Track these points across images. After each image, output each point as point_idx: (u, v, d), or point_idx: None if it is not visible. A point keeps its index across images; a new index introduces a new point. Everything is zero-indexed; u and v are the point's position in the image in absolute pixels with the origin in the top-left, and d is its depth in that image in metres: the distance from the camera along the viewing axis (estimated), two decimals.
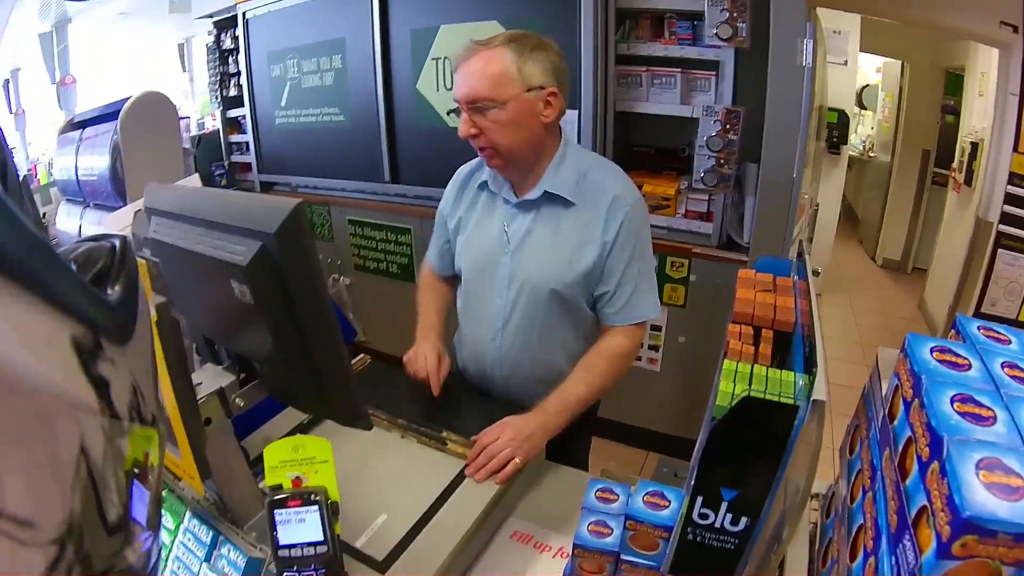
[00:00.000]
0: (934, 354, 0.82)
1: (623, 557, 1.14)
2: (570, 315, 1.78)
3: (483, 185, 1.83)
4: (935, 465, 0.66)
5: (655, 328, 3.27)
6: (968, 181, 4.92)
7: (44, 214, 3.26)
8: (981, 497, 0.59)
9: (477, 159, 1.85)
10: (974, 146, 4.84)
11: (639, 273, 1.71)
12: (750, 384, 0.90)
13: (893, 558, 0.71)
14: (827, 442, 1.01)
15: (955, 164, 5.43)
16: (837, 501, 1.12)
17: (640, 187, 2.96)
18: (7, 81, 8.27)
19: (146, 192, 1.47)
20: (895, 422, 0.84)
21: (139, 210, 1.51)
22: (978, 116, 4.96)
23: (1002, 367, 0.79)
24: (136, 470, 0.58)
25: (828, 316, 5.61)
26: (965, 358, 0.81)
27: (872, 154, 8.14)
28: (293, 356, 1.10)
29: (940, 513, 0.62)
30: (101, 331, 0.53)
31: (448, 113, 1.96)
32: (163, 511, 1.31)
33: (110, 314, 0.55)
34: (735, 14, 2.71)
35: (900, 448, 0.78)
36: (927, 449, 0.70)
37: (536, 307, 1.75)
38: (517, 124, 1.59)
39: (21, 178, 3.27)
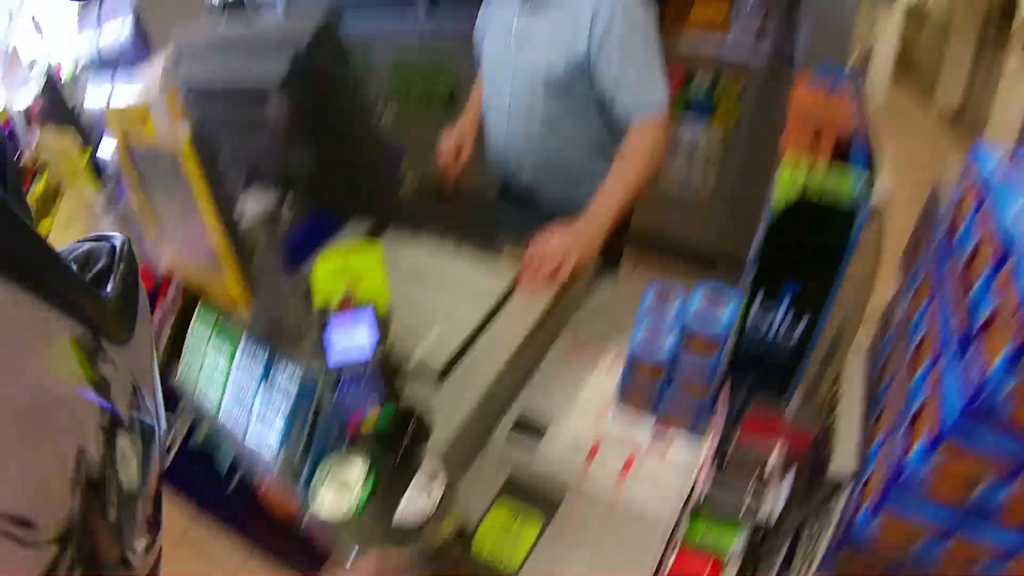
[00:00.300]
0: (1002, 167, 0.78)
1: (678, 364, 1.14)
2: (570, 108, 1.89)
3: None
4: (1006, 270, 0.64)
5: (708, 149, 3.21)
6: None
7: (74, 106, 3.26)
8: None
9: None
10: None
11: (639, 59, 1.76)
12: (808, 183, 0.87)
13: (960, 367, 0.69)
14: (885, 262, 0.98)
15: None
16: (895, 318, 1.10)
17: (688, 8, 2.91)
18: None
19: (174, 37, 1.44)
20: (959, 231, 0.81)
21: (166, 56, 1.49)
22: None
23: None
24: (136, 469, 0.58)
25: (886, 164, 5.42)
26: None
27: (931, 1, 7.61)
28: (335, 162, 1.09)
29: (1012, 319, 0.60)
30: (101, 331, 0.53)
31: None
32: (219, 340, 1.35)
33: (110, 314, 0.56)
34: None
35: (965, 257, 0.75)
36: (995, 256, 0.67)
37: (534, 97, 1.90)
38: None
39: (45, 76, 3.25)
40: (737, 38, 2.97)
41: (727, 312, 1.08)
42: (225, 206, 1.09)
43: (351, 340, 1.13)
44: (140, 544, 0.58)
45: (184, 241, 1.30)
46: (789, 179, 0.87)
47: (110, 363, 0.54)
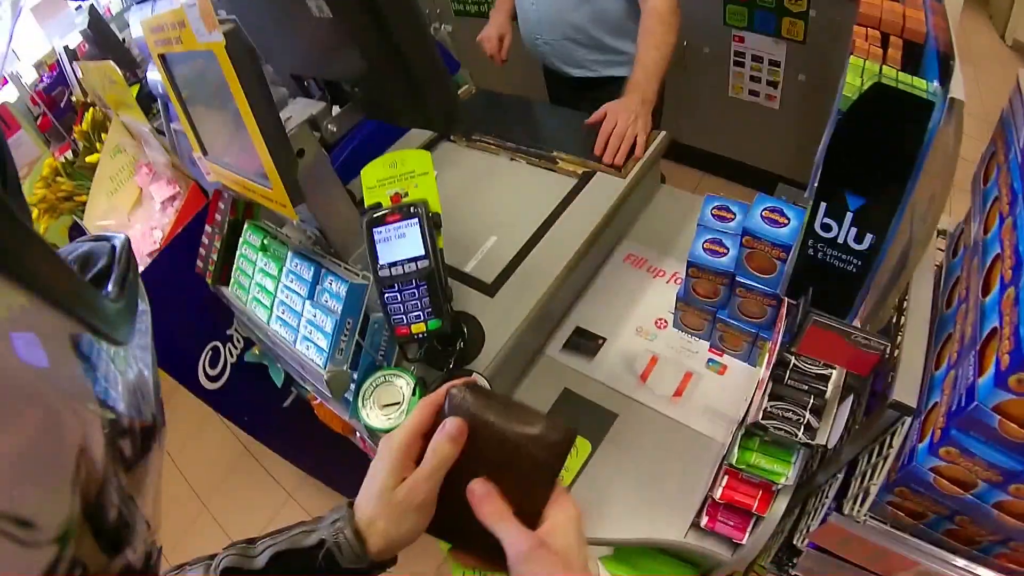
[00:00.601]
0: None
1: (738, 279, 1.08)
2: None
3: None
4: None
5: (773, 64, 3.05)
6: None
7: (124, 39, 3.29)
8: None
9: None
10: None
11: None
12: (879, 77, 0.79)
13: None
14: (956, 183, 0.91)
15: None
16: (967, 239, 1.03)
17: None
18: None
19: None
20: None
21: None
22: None
23: None
24: (138, 470, 0.58)
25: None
26: None
27: None
28: (384, 67, 1.05)
29: None
30: (101, 331, 0.53)
31: None
32: (267, 256, 1.34)
33: (110, 314, 0.55)
34: None
35: None
36: None
37: None
38: None
39: (89, 8, 3.26)
40: None
41: (791, 224, 1.02)
42: (266, 107, 1.05)
43: (401, 243, 1.09)
44: (140, 544, 0.57)
45: (230, 152, 1.28)
46: (858, 75, 0.81)
47: (110, 363, 0.54)
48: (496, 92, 2.03)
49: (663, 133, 1.66)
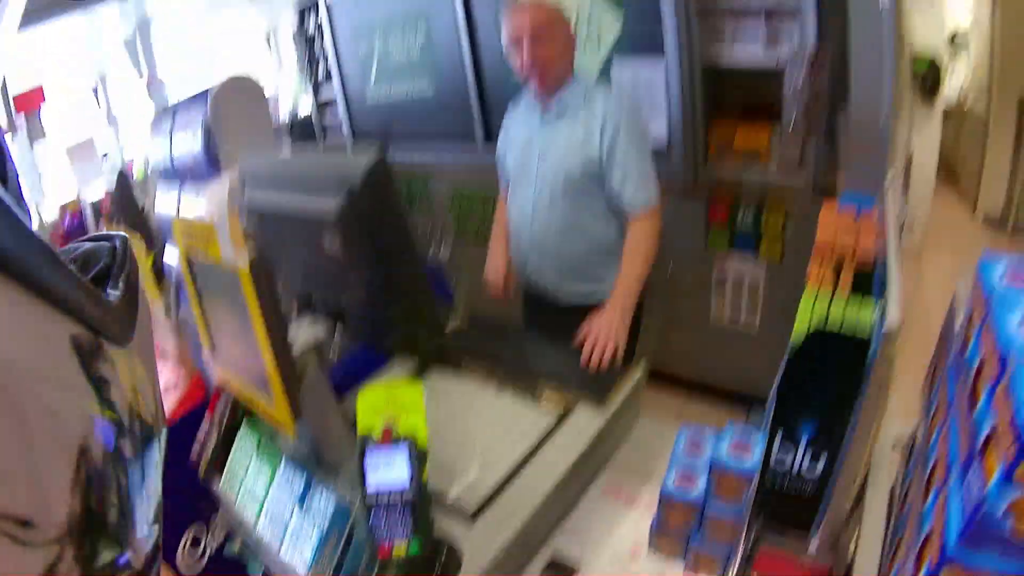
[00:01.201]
0: (1006, 276, 0.75)
1: (708, 505, 1.13)
2: (584, 203, 2.16)
3: (520, 112, 2.36)
4: (1004, 381, 0.62)
5: (752, 287, 3.17)
6: None
7: (143, 207, 3.44)
8: None
9: (513, 101, 2.42)
10: None
11: (639, 160, 2.09)
12: (828, 314, 0.89)
13: (963, 488, 0.66)
14: (914, 385, 0.97)
15: None
16: (916, 447, 1.09)
17: (730, 138, 2.97)
18: (95, 89, 8.65)
19: (240, 164, 1.54)
20: (967, 351, 0.78)
21: (233, 181, 1.58)
22: None
23: None
24: (138, 470, 0.58)
25: (930, 276, 5.33)
26: None
27: (968, 104, 7.67)
28: (382, 300, 1.14)
29: (1003, 436, 0.58)
30: (101, 331, 0.54)
31: (503, 52, 2.26)
32: (261, 458, 1.38)
33: (110, 314, 0.56)
34: None
35: (972, 376, 0.72)
36: (996, 369, 0.64)
37: (554, 198, 2.17)
38: (559, 49, 2.09)
39: (118, 173, 3.43)
40: (779, 165, 2.98)
41: (755, 452, 1.08)
42: (278, 330, 1.14)
43: (389, 471, 1.15)
44: (140, 544, 0.57)
45: (238, 357, 1.35)
46: (808, 311, 0.89)
47: (110, 363, 0.54)
48: (486, 317, 2.13)
49: (641, 366, 1.75)
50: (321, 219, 1.12)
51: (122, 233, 0.65)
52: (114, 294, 0.58)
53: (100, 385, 0.52)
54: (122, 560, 0.53)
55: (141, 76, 7.01)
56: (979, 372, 0.71)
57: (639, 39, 3.06)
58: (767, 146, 2.97)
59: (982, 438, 0.64)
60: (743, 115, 3.09)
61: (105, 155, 5.64)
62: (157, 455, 0.65)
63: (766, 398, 2.52)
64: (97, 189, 4.16)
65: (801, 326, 0.86)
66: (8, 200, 0.42)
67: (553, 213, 2.19)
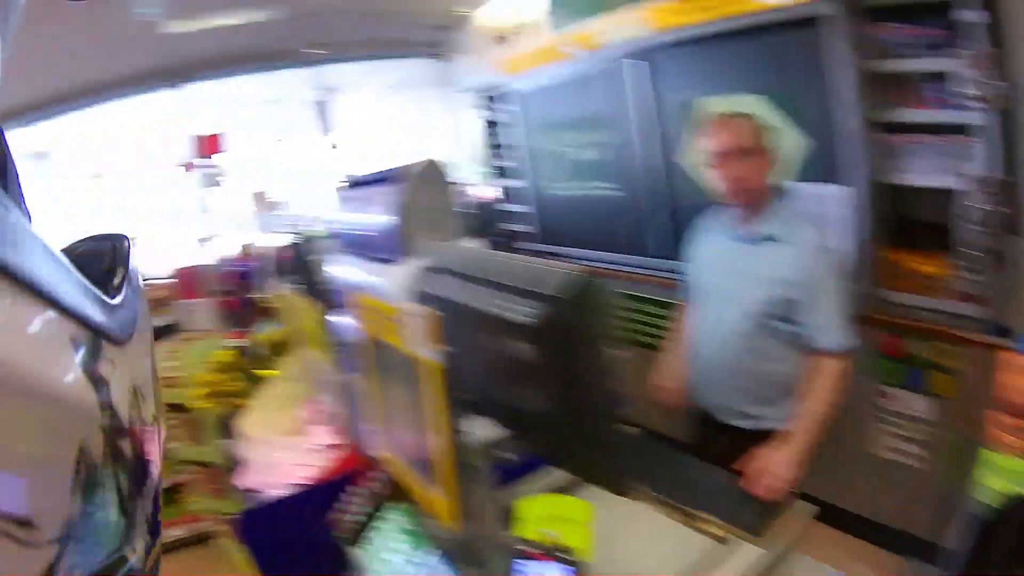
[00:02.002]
0: None
1: None
2: (770, 336, 2.10)
3: (716, 227, 2.30)
4: None
5: (917, 420, 3.00)
6: None
7: (318, 264, 3.62)
8: None
9: (711, 212, 2.37)
10: None
11: (837, 301, 2.03)
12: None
13: None
14: None
15: None
16: None
17: (905, 265, 2.88)
18: (279, 141, 9.38)
19: (428, 250, 1.61)
20: None
21: (420, 266, 1.65)
22: None
23: None
24: (137, 470, 0.58)
25: None
26: None
27: None
28: (567, 417, 1.14)
29: None
30: (101, 331, 0.54)
31: (703, 166, 2.29)
32: (406, 540, 1.40)
33: (110, 315, 0.56)
34: (986, 71, 2.44)
35: None
36: None
37: (742, 322, 2.11)
38: (761, 169, 2.07)
39: (295, 228, 3.65)
40: (955, 295, 2.81)
41: None
42: (455, 426, 1.17)
43: None
44: (140, 544, 0.56)
45: (404, 439, 1.39)
46: (995, 471, 0.82)
47: (110, 363, 0.54)
48: (649, 432, 2.17)
49: (807, 505, 1.67)
50: (518, 323, 1.14)
51: (122, 233, 0.65)
52: (114, 295, 0.59)
53: (100, 385, 0.52)
54: (123, 560, 0.53)
55: (324, 138, 7.53)
56: None
57: (816, 161, 3.06)
58: (943, 274, 2.82)
59: None
60: (919, 240, 2.97)
61: (282, 205, 6.01)
62: (158, 455, 0.64)
63: (923, 537, 2.37)
64: (276, 242, 4.43)
65: (989, 497, 0.80)
66: (8, 200, 0.42)
67: (738, 335, 2.14)
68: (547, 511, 1.20)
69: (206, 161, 4.74)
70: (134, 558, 0.55)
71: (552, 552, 1.15)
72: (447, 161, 2.51)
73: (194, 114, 5.33)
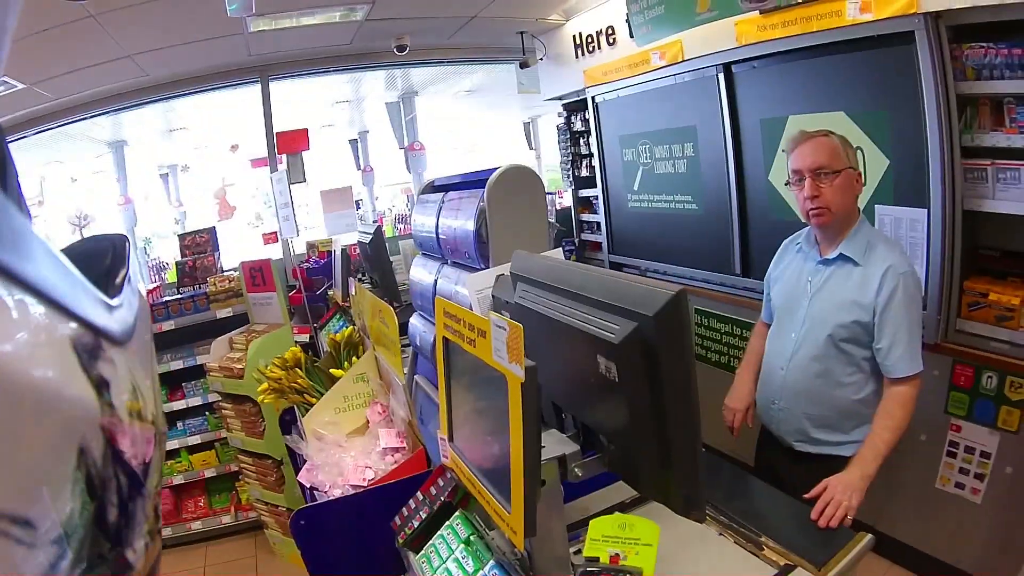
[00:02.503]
0: None
1: None
2: (844, 360, 2.10)
3: (798, 247, 2.29)
4: None
5: (983, 455, 2.89)
6: None
7: (392, 262, 3.65)
8: None
9: (795, 233, 2.36)
10: None
11: (912, 326, 1.99)
12: None
13: None
14: None
15: None
16: None
17: (984, 294, 2.79)
18: (355, 141, 9.61)
19: (513, 258, 1.60)
20: None
21: (502, 274, 1.64)
22: None
23: None
24: (138, 470, 0.58)
25: None
26: None
27: None
28: (645, 436, 1.12)
29: None
30: (101, 331, 0.54)
31: (785, 184, 2.24)
32: (466, 550, 1.39)
33: (110, 315, 0.56)
34: None
35: None
36: None
37: (817, 345, 2.12)
38: (843, 190, 2.04)
39: (375, 228, 3.70)
40: None
41: None
42: (534, 442, 1.15)
43: None
44: (140, 544, 0.56)
45: (477, 449, 1.38)
46: None
47: (110, 363, 0.54)
48: (714, 452, 2.09)
49: (868, 537, 1.61)
50: (603, 339, 1.13)
51: (122, 234, 0.65)
52: (114, 295, 0.59)
53: (100, 385, 0.52)
54: (122, 559, 0.53)
55: (401, 147, 7.65)
56: None
57: (900, 184, 3.02)
58: (1020, 306, 2.70)
59: None
60: (999, 269, 2.91)
61: (359, 203, 6.10)
62: (157, 455, 0.64)
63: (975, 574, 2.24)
64: (346, 236, 4.51)
65: None
66: (8, 201, 0.42)
67: (813, 358, 2.13)
68: (614, 530, 1.18)
69: (286, 157, 4.84)
70: (134, 558, 0.56)
71: (616, 573, 1.14)
72: (530, 168, 2.50)
73: (276, 111, 5.47)
